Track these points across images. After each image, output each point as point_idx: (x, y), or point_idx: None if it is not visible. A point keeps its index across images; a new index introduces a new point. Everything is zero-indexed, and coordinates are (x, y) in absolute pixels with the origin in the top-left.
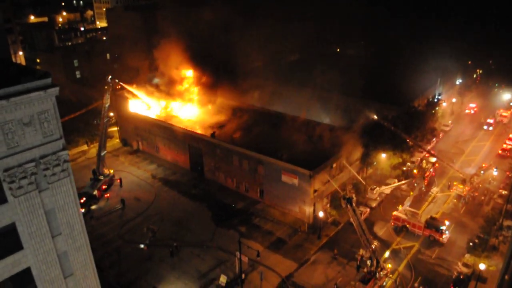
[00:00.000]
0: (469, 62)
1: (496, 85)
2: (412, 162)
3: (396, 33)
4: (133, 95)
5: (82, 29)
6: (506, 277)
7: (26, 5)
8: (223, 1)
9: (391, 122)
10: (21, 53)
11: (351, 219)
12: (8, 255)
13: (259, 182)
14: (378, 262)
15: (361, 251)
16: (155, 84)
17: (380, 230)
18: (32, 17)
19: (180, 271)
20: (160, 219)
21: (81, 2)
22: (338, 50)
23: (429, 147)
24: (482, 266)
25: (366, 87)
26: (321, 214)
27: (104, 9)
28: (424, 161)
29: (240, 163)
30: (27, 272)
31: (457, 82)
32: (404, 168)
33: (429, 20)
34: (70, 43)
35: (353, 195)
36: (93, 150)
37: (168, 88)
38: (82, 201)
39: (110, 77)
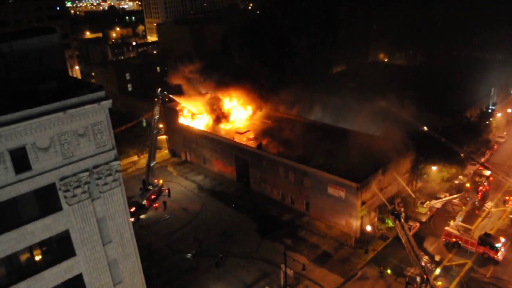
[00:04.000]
0: None
1: None
2: (465, 175)
3: (447, 41)
4: (182, 106)
5: (134, 43)
6: None
7: (82, 22)
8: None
9: (442, 133)
10: (77, 67)
11: (400, 235)
12: (62, 261)
13: (305, 194)
14: (428, 279)
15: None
16: (204, 95)
17: (431, 246)
18: (87, 33)
19: (225, 282)
20: (207, 230)
21: (133, 18)
22: (386, 60)
23: (482, 160)
24: None
25: (416, 97)
26: (368, 228)
27: (155, 24)
28: (477, 174)
29: (286, 174)
30: (79, 278)
31: None
32: (456, 182)
33: (481, 27)
34: (122, 57)
35: (402, 209)
36: (143, 160)
37: (216, 100)
38: (132, 210)
39: (159, 89)
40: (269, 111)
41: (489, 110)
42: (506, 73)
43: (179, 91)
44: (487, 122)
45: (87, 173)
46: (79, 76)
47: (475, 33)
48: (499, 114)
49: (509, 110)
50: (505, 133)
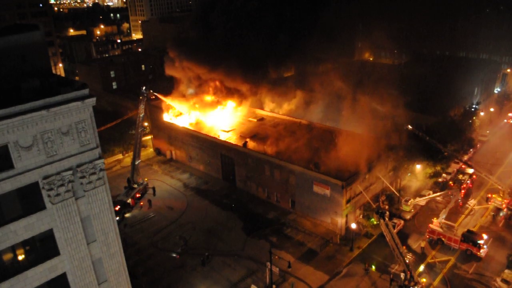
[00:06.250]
0: (508, 70)
1: None
2: (448, 173)
3: (431, 41)
4: (167, 104)
5: (118, 41)
6: None
7: (66, 19)
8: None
9: (426, 132)
10: (60, 64)
11: (384, 233)
12: (46, 260)
13: (291, 192)
14: (412, 276)
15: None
16: (190, 93)
17: (415, 243)
18: (71, 30)
19: (211, 280)
20: (192, 228)
21: (118, 15)
22: (371, 59)
23: (466, 158)
24: None
25: (400, 96)
26: (353, 225)
27: (140, 22)
28: (460, 172)
29: (271, 173)
30: (63, 277)
31: (496, 91)
32: (440, 179)
33: (466, 26)
34: (107, 55)
35: (386, 207)
36: (127, 159)
37: (201, 97)
38: (116, 209)
39: (144, 87)
40: (255, 108)
41: (473, 109)
42: (489, 72)
43: (165, 89)
44: (471, 121)
45: (70, 172)
46: (63, 74)
47: (459, 33)
48: (482, 113)
49: (491, 109)
50: (488, 131)
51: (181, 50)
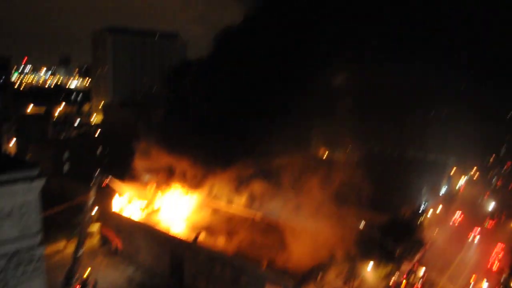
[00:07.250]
0: (453, 171)
1: None
2: (400, 274)
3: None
4: (119, 192)
5: (77, 121)
6: None
7: (27, 96)
8: None
9: (378, 231)
10: (13, 141)
11: None
12: None
13: None
14: None
15: None
16: (146, 181)
17: None
18: (31, 105)
19: None
20: None
21: (80, 95)
22: (325, 155)
23: (416, 258)
24: None
25: (351, 195)
26: None
27: (101, 104)
28: (412, 272)
29: (222, 271)
30: None
31: (442, 192)
32: (391, 282)
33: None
34: (64, 135)
35: None
36: (70, 248)
37: (158, 185)
38: None
39: (98, 171)
40: (209, 198)
41: (421, 209)
42: (436, 173)
43: (120, 175)
44: (420, 221)
45: (6, 259)
46: (16, 151)
47: (407, 132)
48: (430, 212)
49: (439, 208)
50: (436, 231)
51: (157, 140)
